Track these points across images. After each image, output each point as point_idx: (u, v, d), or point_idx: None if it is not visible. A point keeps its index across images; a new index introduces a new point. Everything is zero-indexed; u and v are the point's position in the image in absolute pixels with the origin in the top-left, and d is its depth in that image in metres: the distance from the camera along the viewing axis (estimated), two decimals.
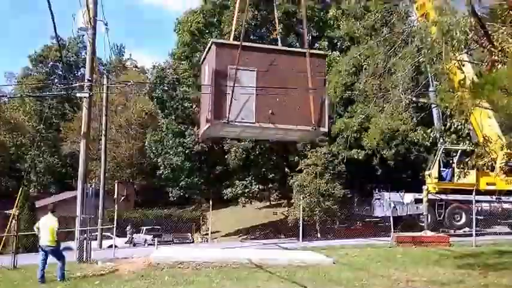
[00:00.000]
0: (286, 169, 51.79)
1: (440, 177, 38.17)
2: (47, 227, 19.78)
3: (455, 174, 35.83)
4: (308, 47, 17.20)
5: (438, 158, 38.03)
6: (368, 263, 22.83)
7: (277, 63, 16.73)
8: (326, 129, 17.47)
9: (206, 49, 18.00)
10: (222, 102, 15.93)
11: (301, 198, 38.89)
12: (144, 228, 53.63)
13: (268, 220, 60.66)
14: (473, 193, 33.22)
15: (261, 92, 16.28)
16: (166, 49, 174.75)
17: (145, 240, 50.10)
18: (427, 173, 39.38)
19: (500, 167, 27.92)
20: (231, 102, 15.62)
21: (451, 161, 37.82)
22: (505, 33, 15.24)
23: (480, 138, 28.16)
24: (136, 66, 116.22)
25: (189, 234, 54.27)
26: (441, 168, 38.16)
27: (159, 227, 53.70)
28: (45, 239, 19.80)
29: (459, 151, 34.89)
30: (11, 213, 29.28)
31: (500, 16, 15.50)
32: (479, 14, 15.89)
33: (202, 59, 19.70)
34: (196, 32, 49.85)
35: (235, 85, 15.77)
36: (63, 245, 42.66)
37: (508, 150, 23.91)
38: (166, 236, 51.12)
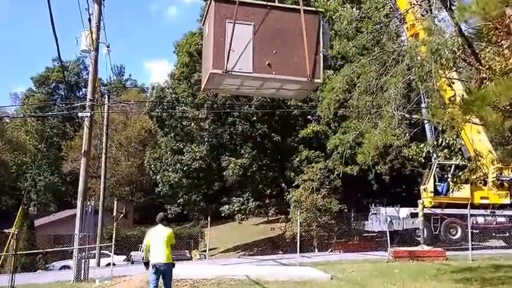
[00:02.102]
0: (283, 184, 52.14)
1: (436, 192, 38.44)
2: None
3: (450, 189, 36.13)
4: (302, 4, 17.53)
5: (433, 173, 38.30)
6: (365, 279, 22.94)
7: (274, 18, 17.04)
8: (321, 81, 17.66)
9: (206, 7, 18.40)
10: (221, 55, 16.25)
11: (298, 213, 39.02)
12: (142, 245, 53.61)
13: (266, 236, 60.72)
14: (468, 207, 33.48)
15: (257, 44, 16.64)
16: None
17: (143, 258, 50.02)
18: (422, 187, 39.62)
19: (492, 181, 28.25)
20: (228, 53, 15.97)
21: (445, 176, 38.06)
22: (492, 51, 15.61)
23: (472, 152, 28.51)
24: (136, 86, 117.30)
25: (187, 251, 54.30)
26: (436, 183, 38.41)
27: None
28: None
29: (453, 166, 35.10)
30: (10, 232, 29.47)
31: (486, 35, 15.87)
32: (466, 33, 16.28)
33: (203, 19, 20.14)
34: (195, 53, 50.28)
35: (233, 38, 16.17)
36: (61, 263, 43.04)
37: (499, 165, 24.28)
38: None
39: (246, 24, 16.54)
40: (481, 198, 37.83)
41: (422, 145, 22.13)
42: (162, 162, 56.26)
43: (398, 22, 23.36)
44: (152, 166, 59.43)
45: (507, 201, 37.81)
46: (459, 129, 19.46)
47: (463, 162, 24.67)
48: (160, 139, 59.69)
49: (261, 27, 16.57)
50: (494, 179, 29.79)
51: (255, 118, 49.70)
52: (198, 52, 49.17)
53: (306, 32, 16.67)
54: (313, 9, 18.71)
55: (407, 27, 23.14)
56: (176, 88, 53.57)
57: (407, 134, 22.14)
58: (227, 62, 15.90)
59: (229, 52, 15.94)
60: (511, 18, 14.68)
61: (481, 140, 32.21)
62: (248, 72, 16.45)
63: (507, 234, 38.93)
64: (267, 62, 16.41)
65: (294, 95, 20.88)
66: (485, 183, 34.62)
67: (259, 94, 23.87)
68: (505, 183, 36.21)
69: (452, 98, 18.03)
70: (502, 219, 38.74)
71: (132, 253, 51.97)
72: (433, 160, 36.32)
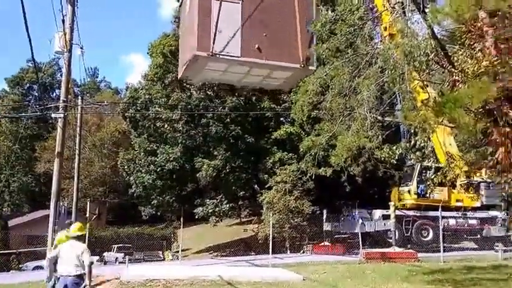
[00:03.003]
0: (256, 186, 52.17)
1: (418, 194, 38.77)
2: None
3: (430, 191, 36.44)
4: None
5: (416, 175, 38.53)
6: (338, 280, 23.01)
7: None
8: (314, 68, 16.96)
9: None
10: (207, 35, 15.15)
11: (271, 215, 39.04)
12: (115, 246, 53.44)
13: (238, 237, 60.65)
14: (440, 209, 33.74)
15: (246, 26, 15.56)
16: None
17: (116, 258, 49.93)
18: (406, 189, 39.81)
19: (460, 184, 28.49)
20: (215, 34, 14.95)
21: (423, 178, 38.30)
22: (465, 54, 15.73)
23: (440, 156, 28.76)
24: (110, 87, 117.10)
25: (160, 252, 54.21)
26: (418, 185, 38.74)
27: (130, 245, 53.56)
28: None
29: (433, 168, 35.36)
30: None
31: (459, 38, 15.98)
32: (439, 36, 16.38)
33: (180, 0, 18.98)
34: (169, 54, 50.21)
35: (220, 18, 15.08)
36: (34, 263, 42.86)
37: (466, 168, 24.41)
38: (137, 254, 50.99)
39: (234, 2, 15.54)
40: (457, 201, 38.27)
41: (394, 147, 22.27)
42: (136, 164, 56.17)
43: (374, 22, 23.46)
44: (126, 167, 59.33)
45: (478, 204, 38.26)
46: (431, 132, 19.56)
47: (436, 165, 24.88)
48: (133, 140, 59.51)
49: (251, 7, 15.42)
50: (463, 182, 30.04)
51: (228, 120, 49.69)
52: (172, 53, 49.14)
53: (299, 13, 15.98)
54: None
55: (384, 27, 23.23)
56: (150, 89, 53.46)
57: (379, 136, 22.21)
58: (213, 43, 14.99)
59: (215, 33, 14.96)
60: (484, 21, 14.81)
61: (452, 143, 32.56)
62: (236, 56, 15.51)
63: (478, 236, 39.35)
64: (256, 46, 15.51)
65: (281, 85, 19.80)
66: (454, 187, 35.00)
67: (244, 83, 22.41)
68: (472, 186, 36.70)
69: (425, 101, 18.12)
70: (474, 222, 39.17)
71: (105, 254, 51.79)
72: (409, 162, 36.66)
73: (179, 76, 18.59)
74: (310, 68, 16.22)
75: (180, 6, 19.24)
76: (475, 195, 37.31)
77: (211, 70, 16.53)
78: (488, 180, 33.49)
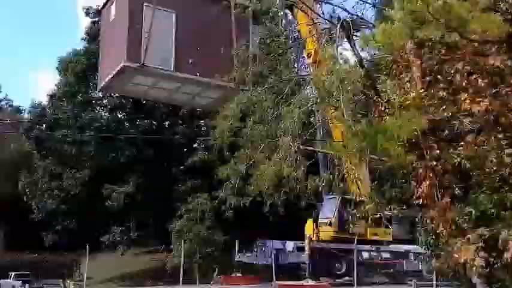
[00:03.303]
0: (166, 214, 51.23)
1: (338, 226, 38.58)
2: None
3: (349, 224, 36.35)
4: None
5: (338, 207, 38.23)
6: None
7: (201, 9, 15.15)
8: (250, 89, 16.27)
9: None
10: (137, 45, 14.16)
11: (182, 243, 38.31)
12: (13, 273, 51.46)
13: (146, 266, 59.54)
14: (355, 242, 33.68)
15: (180, 38, 14.66)
16: None
17: (14, 286, 48.29)
18: (325, 221, 39.44)
19: (370, 218, 28.50)
20: (146, 46, 13.92)
21: (343, 211, 38.12)
22: (391, 85, 15.43)
23: (352, 188, 28.61)
24: (11, 106, 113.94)
25: (61, 280, 52.49)
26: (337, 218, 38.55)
27: (29, 272, 51.74)
28: None
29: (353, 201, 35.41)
30: None
31: (385, 68, 15.69)
32: (366, 65, 16.06)
33: (104, 1, 17.89)
34: (80, 72, 49.02)
35: (152, 27, 14.10)
36: None
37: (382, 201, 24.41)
38: (37, 282, 49.47)
39: (168, 11, 14.70)
40: (373, 234, 38.32)
41: (315, 178, 21.91)
42: (39, 188, 54.40)
43: (298, 49, 23.17)
44: (27, 191, 57.32)
45: (390, 238, 38.57)
46: (355, 163, 19.27)
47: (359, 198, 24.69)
48: (37, 162, 57.67)
49: (186, 18, 14.70)
50: (374, 216, 30.14)
51: (140, 144, 48.79)
52: (83, 72, 48.05)
53: (235, 32, 15.34)
54: (245, 3, 17.09)
55: (308, 54, 22.92)
56: (57, 108, 51.98)
57: (301, 166, 21.80)
58: (145, 54, 14.00)
59: (147, 44, 14.01)
60: (412, 51, 14.52)
61: (366, 175, 32.61)
62: (168, 70, 14.63)
63: (391, 270, 39.49)
64: (190, 61, 14.74)
65: (210, 105, 18.95)
66: (367, 220, 35.06)
67: (170, 100, 20.91)
68: (382, 221, 36.89)
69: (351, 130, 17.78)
70: (387, 255, 39.32)
71: (1, 281, 49.85)
72: (329, 195, 36.51)
73: (98, 88, 17.55)
74: (245, 88, 15.56)
75: (102, 9, 18.20)
76: (387, 229, 37.61)
77: (135, 84, 15.58)
78: (399, 215, 33.84)
